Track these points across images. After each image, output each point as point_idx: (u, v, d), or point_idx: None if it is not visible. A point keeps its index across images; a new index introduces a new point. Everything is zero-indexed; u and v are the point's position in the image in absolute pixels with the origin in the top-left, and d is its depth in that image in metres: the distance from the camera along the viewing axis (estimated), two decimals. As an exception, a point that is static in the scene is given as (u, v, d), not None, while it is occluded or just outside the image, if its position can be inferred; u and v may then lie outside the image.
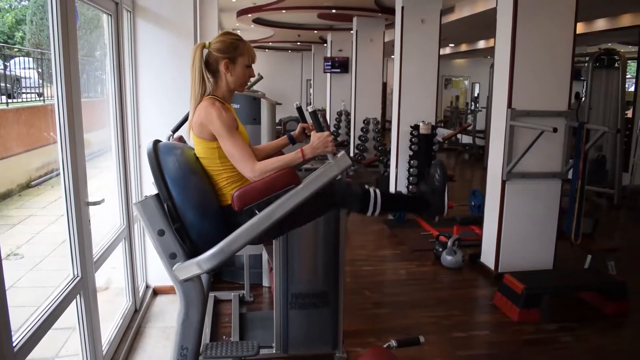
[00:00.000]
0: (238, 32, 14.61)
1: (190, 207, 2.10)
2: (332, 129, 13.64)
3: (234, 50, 2.24)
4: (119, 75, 3.70)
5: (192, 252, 2.12)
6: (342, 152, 2.10)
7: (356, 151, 11.54)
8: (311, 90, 20.44)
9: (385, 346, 2.14)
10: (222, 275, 4.76)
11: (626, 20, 8.87)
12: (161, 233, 2.08)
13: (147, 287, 4.38)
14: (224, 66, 2.23)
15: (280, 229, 2.37)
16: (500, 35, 4.83)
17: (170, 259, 2.10)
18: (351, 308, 4.15)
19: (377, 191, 2.40)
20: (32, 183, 6.50)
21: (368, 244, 6.14)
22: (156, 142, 2.22)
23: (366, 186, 2.42)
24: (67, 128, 2.62)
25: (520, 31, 4.57)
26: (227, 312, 4.14)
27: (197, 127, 2.19)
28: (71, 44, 2.64)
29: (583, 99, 8.94)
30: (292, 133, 2.58)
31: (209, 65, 2.25)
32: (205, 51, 2.24)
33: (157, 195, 2.12)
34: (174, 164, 2.13)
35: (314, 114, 2.15)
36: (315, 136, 2.10)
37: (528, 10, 4.56)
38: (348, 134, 12.77)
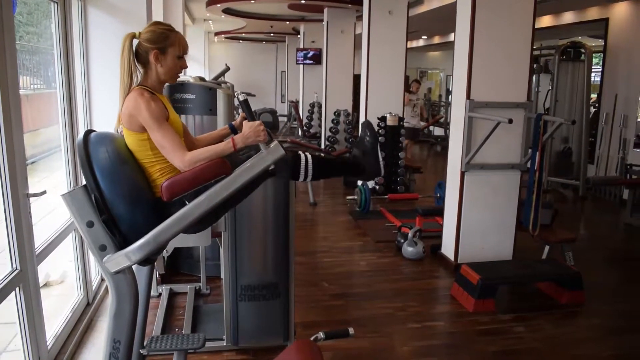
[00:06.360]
0: (210, 22, 14.47)
1: (119, 198, 2.05)
2: (305, 120, 13.59)
3: (164, 40, 2.18)
4: (67, 66, 3.61)
5: (122, 243, 2.07)
6: (275, 141, 2.07)
7: (327, 143, 11.52)
8: (286, 82, 20.33)
9: (312, 338, 2.13)
10: (180, 267, 4.71)
11: (593, 13, 8.96)
12: (90, 225, 2.03)
13: (103, 280, 4.31)
14: (153, 57, 2.17)
15: (215, 215, 2.32)
16: (460, 26, 4.83)
17: (100, 250, 2.05)
18: (308, 299, 4.14)
19: (309, 156, 2.35)
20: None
21: (331, 235, 6.14)
22: (88, 132, 2.17)
23: (299, 152, 2.37)
24: (2, 118, 2.55)
25: (479, 22, 4.56)
26: (182, 305, 4.10)
27: (126, 118, 2.13)
28: (6, 33, 2.56)
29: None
30: (233, 122, 2.54)
31: (138, 56, 2.19)
32: (136, 41, 2.18)
33: (85, 186, 2.07)
34: (104, 154, 2.08)
35: (245, 102, 2.12)
36: (246, 125, 2.06)
37: (487, 1, 4.56)
38: (320, 125, 12.73)
